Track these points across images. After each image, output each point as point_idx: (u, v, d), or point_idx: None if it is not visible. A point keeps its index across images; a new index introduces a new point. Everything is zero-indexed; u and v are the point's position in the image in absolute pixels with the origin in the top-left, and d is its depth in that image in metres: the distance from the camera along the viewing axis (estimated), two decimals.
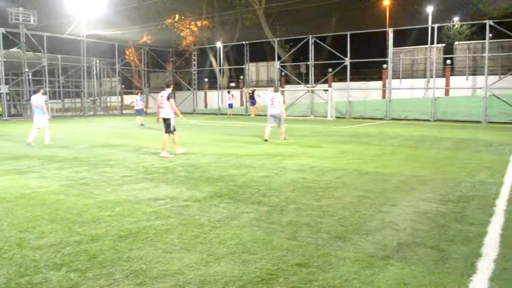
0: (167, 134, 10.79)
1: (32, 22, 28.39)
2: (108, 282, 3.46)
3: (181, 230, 4.72)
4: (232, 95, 33.13)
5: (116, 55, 35.77)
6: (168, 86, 11.07)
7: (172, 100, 10.84)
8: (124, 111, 37.60)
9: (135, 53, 40.91)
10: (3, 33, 27.40)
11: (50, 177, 7.92)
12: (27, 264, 3.83)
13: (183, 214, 5.38)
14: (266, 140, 14.05)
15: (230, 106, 32.17)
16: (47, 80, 30.92)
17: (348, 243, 4.31)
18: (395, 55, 29.89)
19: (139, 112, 21.99)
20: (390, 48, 28.88)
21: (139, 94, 22.99)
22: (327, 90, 30.21)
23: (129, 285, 3.39)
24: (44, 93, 14.54)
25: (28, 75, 30.46)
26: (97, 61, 37.02)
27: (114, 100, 38.10)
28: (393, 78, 29.30)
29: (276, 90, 15.43)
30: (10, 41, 28.40)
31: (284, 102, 16.13)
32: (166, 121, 10.79)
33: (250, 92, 32.27)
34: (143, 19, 35.51)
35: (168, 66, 41.48)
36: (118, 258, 3.93)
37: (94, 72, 36.48)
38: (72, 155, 10.90)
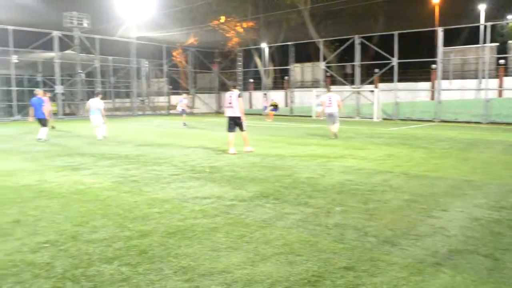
0: (245, 132, 11.59)
1: (85, 25, 29.60)
2: (157, 277, 3.55)
3: (228, 229, 4.78)
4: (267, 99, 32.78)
5: (164, 57, 36.63)
6: (234, 87, 11.71)
7: (240, 99, 11.35)
8: (171, 111, 38.45)
9: (182, 54, 41.73)
10: (59, 36, 28.76)
11: (102, 174, 8.23)
12: (81, 256, 4.00)
13: (229, 213, 5.45)
14: (335, 137, 15.47)
15: (265, 108, 31.57)
16: (99, 81, 32.14)
17: (397, 248, 4.22)
18: (445, 55, 28.89)
19: (183, 112, 22.91)
20: (440, 48, 27.96)
21: (183, 95, 23.94)
22: (373, 91, 29.66)
23: (177, 281, 3.48)
24: (102, 98, 16.21)
25: (82, 76, 31.75)
26: (146, 62, 38.07)
27: (162, 100, 39.03)
28: (442, 79, 28.32)
29: (329, 90, 16.60)
30: (65, 43, 29.74)
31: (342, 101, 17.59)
32: (235, 119, 11.34)
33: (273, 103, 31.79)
34: (190, 21, 36.22)
35: (214, 67, 42.04)
36: (167, 254, 4.03)
37: (143, 73, 37.52)
38: (122, 153, 11.28)
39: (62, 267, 3.77)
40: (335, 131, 15.60)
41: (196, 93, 40.37)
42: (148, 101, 38.66)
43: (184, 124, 21.69)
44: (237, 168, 8.90)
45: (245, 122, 11.52)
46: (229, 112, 11.37)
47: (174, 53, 41.79)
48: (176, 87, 41.55)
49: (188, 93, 25.64)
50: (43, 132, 14.32)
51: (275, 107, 30.34)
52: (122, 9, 30.07)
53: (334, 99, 15.38)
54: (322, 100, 16.83)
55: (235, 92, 11.38)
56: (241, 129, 11.47)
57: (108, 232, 4.70)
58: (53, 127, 19.53)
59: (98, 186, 7.09)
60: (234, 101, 11.23)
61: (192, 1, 33.48)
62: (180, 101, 23.66)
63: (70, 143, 13.99)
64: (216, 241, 4.39)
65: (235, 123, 11.41)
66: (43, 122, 14.40)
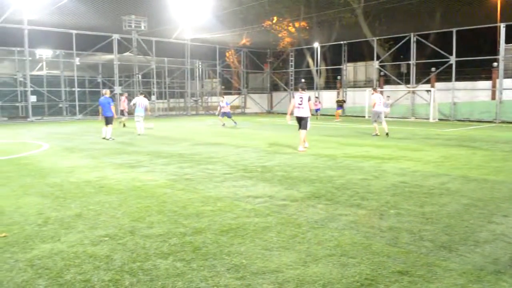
0: (304, 131, 12.07)
1: (142, 28, 30.66)
2: (210, 273, 3.63)
3: (280, 229, 4.80)
4: (319, 102, 31.81)
5: (217, 57, 37.27)
6: (303, 90, 12.18)
7: (311, 102, 12.16)
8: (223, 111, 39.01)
9: (234, 55, 42.24)
10: (118, 39, 29.99)
11: (158, 172, 8.51)
12: (139, 250, 4.16)
13: (281, 213, 5.47)
14: (376, 134, 16.61)
15: (317, 110, 30.32)
16: (154, 82, 33.20)
17: (454, 254, 4.07)
18: (507, 52, 27.37)
19: (227, 115, 22.68)
20: (502, 45, 26.54)
21: (224, 97, 23.49)
22: (430, 90, 28.65)
23: (230, 278, 3.54)
24: (145, 96, 18.68)
25: (138, 77, 32.93)
26: (200, 63, 38.89)
27: (215, 100, 39.72)
28: (504, 78, 26.90)
29: (376, 91, 17.61)
30: (123, 46, 30.96)
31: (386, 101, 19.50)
32: (303, 119, 12.01)
33: (341, 101, 31.17)
34: (242, 22, 36.51)
35: (265, 67, 42.24)
36: (220, 252, 4.11)
37: (197, 74, 38.35)
38: (177, 151, 11.59)
39: (120, 260, 3.94)
40: (385, 129, 16.47)
41: (248, 93, 40.72)
42: (202, 101, 39.46)
43: (223, 125, 21.89)
44: (288, 168, 8.90)
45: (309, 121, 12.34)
46: (299, 112, 12.00)
47: (227, 54, 42.38)
48: (228, 87, 42.14)
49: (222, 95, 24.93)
50: (109, 131, 15.01)
51: (341, 105, 29.86)
52: (177, 12, 30.83)
53: (377, 99, 16.59)
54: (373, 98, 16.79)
55: (305, 94, 11.97)
56: (303, 128, 12.05)
57: (163, 228, 4.86)
58: (124, 125, 21.15)
59: (154, 184, 7.34)
60: (305, 103, 11.88)
61: (244, 2, 33.73)
62: (226, 104, 23.42)
63: (127, 141, 14.54)
64: (268, 240, 4.43)
65: (301, 122, 12.05)
66: (109, 120, 15.00)
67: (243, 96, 40.36)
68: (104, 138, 14.96)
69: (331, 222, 5.07)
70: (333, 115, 29.90)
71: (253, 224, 4.97)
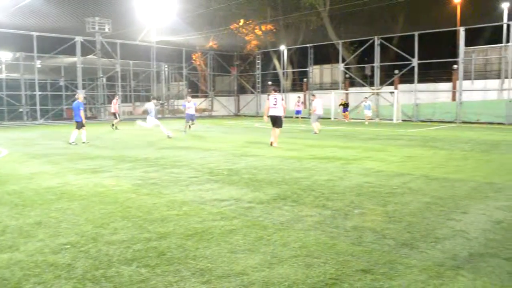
0: (278, 130, 13.27)
1: (106, 30, 30.13)
2: (175, 278, 3.59)
3: (245, 231, 4.80)
4: (302, 103, 31.28)
5: (183, 60, 37.00)
6: (276, 91, 13.72)
7: (283, 102, 13.50)
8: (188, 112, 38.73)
9: (201, 57, 42.06)
10: (81, 41, 29.32)
11: (122, 177, 8.35)
12: (101, 258, 4.07)
13: (247, 215, 5.47)
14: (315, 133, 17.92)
15: (298, 112, 29.58)
16: (119, 85, 32.64)
17: (416, 251, 4.17)
18: (467, 55, 28.43)
19: (192, 118, 20.03)
20: (461, 48, 27.54)
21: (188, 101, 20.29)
22: (393, 92, 29.37)
23: (195, 283, 3.51)
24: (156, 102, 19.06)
25: (103, 80, 32.30)
26: (166, 65, 38.50)
27: (181, 103, 39.44)
28: (464, 79, 27.89)
29: (315, 97, 19.76)
30: (87, 48, 30.31)
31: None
32: (278, 118, 13.18)
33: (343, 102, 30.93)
34: (209, 24, 36.45)
35: (233, 70, 42.25)
36: (185, 256, 4.07)
37: (163, 77, 37.95)
38: (142, 156, 11.42)
39: (82, 268, 3.84)
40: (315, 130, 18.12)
41: (215, 96, 40.62)
42: (168, 104, 39.07)
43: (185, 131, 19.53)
44: (255, 170, 8.92)
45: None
46: (274, 112, 13.20)
47: (194, 56, 42.16)
48: (195, 90, 41.90)
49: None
50: (83, 134, 15.14)
51: (345, 106, 29.97)
52: (143, 14, 30.47)
53: (320, 104, 18.61)
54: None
55: (279, 95, 13.41)
56: (278, 126, 13.22)
57: (127, 233, 4.77)
58: (116, 128, 21.29)
59: (118, 189, 7.20)
60: (279, 103, 13.17)
61: (211, 5, 33.67)
62: (194, 104, 20.36)
63: (91, 146, 14.22)
64: (233, 243, 4.41)
65: (276, 120, 13.20)
66: (79, 125, 14.99)
67: (210, 99, 40.22)
68: (71, 143, 14.62)
69: (296, 223, 5.11)
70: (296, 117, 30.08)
71: (218, 228, 4.94)
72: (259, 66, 39.79)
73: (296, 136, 17.53)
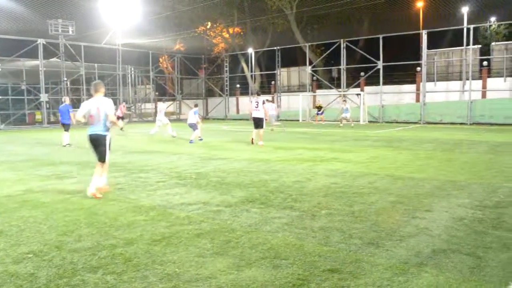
0: (262, 130, 14.55)
1: (70, 32, 29.39)
2: (142, 285, 3.54)
3: (214, 235, 4.77)
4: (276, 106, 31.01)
5: (150, 63, 36.56)
6: (258, 95, 15.12)
7: (265, 105, 14.81)
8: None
9: (168, 60, 41.68)
10: (43, 43, 28.52)
11: (88, 182, 8.14)
12: (66, 266, 3.96)
13: (215, 219, 5.44)
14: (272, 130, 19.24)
15: (276, 118, 29.47)
16: (84, 88, 31.90)
17: (381, 249, 4.26)
18: (429, 58, 29.26)
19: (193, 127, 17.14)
20: (424, 51, 28.34)
21: (195, 107, 17.64)
22: (359, 94, 29.90)
23: None
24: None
25: (67, 84, 31.50)
26: (132, 69, 37.93)
27: (149, 107, 38.91)
28: (427, 81, 28.69)
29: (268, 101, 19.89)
30: (49, 51, 29.50)
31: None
32: (260, 120, 14.43)
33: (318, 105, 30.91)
34: (176, 27, 36.16)
35: (200, 73, 42.06)
36: (152, 262, 4.02)
37: (129, 80, 37.36)
38: (108, 161, 11.17)
39: (46, 277, 3.73)
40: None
41: (183, 99, 40.32)
42: (135, 108, 38.50)
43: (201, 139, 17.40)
44: (223, 173, 8.90)
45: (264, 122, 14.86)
46: (256, 114, 14.46)
47: (160, 59, 41.74)
48: (162, 93, 41.47)
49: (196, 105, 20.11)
50: (66, 137, 15.38)
51: (319, 109, 29.94)
52: (108, 16, 29.92)
53: (272, 106, 19.65)
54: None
55: (260, 98, 14.61)
56: (261, 127, 14.52)
57: (93, 240, 4.67)
58: (121, 129, 21.51)
59: (83, 195, 7.03)
60: (260, 105, 14.42)
61: (177, 7, 33.41)
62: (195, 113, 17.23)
63: (55, 151, 13.85)
64: (201, 247, 4.38)
65: (258, 122, 14.44)
66: (66, 127, 15.42)
67: (177, 102, 39.89)
68: (64, 146, 15.13)
69: (264, 225, 5.12)
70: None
71: (186, 232, 4.90)
72: (227, 69, 39.75)
73: (264, 139, 17.56)
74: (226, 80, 39.79)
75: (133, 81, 38.64)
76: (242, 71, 40.76)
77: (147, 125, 28.56)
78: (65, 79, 30.92)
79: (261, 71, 41.59)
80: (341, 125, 25.33)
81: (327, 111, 31.56)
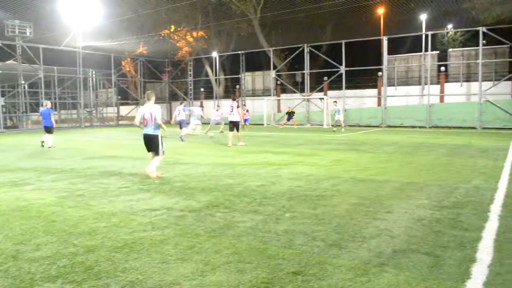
0: (238, 132, 15.59)
1: (28, 34, 28.48)
2: None
3: (177, 241, 4.72)
4: (247, 110, 30.93)
5: (112, 66, 35.88)
6: (234, 100, 15.98)
7: (240, 108, 15.99)
8: (120, 122, 37.58)
9: (131, 63, 41.02)
10: None
11: (46, 189, 7.91)
12: (23, 276, 3.82)
13: (179, 224, 5.38)
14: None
15: (246, 121, 28.97)
16: (43, 92, 30.94)
17: (344, 251, 4.33)
18: (390, 63, 30.08)
19: (181, 124, 19.46)
20: (385, 56, 29.13)
21: (182, 104, 20.63)
22: (323, 98, 30.35)
23: None
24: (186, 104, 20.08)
25: (24, 87, 30.47)
26: (93, 72, 37.09)
27: (111, 111, 38.12)
28: (388, 86, 29.49)
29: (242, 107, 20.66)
30: (6, 53, 28.46)
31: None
32: (235, 123, 15.55)
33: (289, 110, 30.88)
34: (139, 30, 35.65)
35: (164, 77, 41.60)
36: (114, 269, 3.93)
37: (90, 83, 36.50)
38: (68, 166, 10.89)
39: None
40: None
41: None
42: (96, 112, 37.65)
43: (181, 139, 18.72)
44: (187, 178, 8.82)
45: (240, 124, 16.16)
46: (231, 118, 15.51)
47: (123, 63, 41.03)
48: (125, 97, 40.79)
49: (182, 103, 22.07)
50: (50, 139, 15.99)
51: (291, 114, 29.80)
52: (68, 17, 29.15)
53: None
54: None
55: (235, 103, 15.59)
56: (237, 130, 15.62)
57: (51, 249, 4.52)
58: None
59: (41, 202, 6.80)
60: (235, 110, 15.43)
61: (140, 10, 32.95)
62: (183, 110, 20.16)
63: (11, 157, 13.36)
64: (165, 253, 4.33)
65: (234, 125, 15.53)
66: (50, 130, 15.99)
67: (141, 106, 39.27)
68: (50, 147, 15.68)
69: (229, 229, 5.11)
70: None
71: (149, 238, 4.82)
72: (191, 72, 39.51)
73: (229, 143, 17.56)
74: (190, 84, 39.52)
75: (95, 84, 37.80)
76: (207, 75, 40.61)
77: (108, 129, 27.98)
78: (23, 82, 29.90)
79: (225, 75, 41.56)
80: (335, 129, 24.49)
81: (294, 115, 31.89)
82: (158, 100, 41.25)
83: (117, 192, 7.50)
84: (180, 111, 19.82)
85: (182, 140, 18.29)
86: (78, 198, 7.07)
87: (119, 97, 39.32)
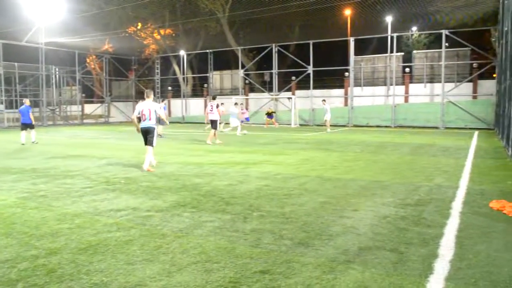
0: (214, 130, 16.12)
1: None
2: None
3: (143, 241, 4.65)
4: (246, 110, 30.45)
5: (76, 63, 34.99)
6: (214, 99, 16.72)
7: (219, 108, 16.92)
8: (85, 121, 36.70)
9: (96, 61, 40.12)
10: None
11: (6, 190, 7.63)
12: None
13: (145, 224, 5.30)
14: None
15: (246, 120, 28.70)
16: (3, 89, 29.83)
17: (310, 249, 4.36)
18: (357, 64, 30.59)
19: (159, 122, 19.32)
20: (352, 57, 29.60)
21: (162, 102, 22.62)
22: (291, 98, 30.56)
23: None
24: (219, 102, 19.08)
25: None
26: (56, 69, 36.04)
27: (75, 109, 37.12)
28: (354, 86, 29.98)
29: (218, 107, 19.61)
30: None
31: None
32: (214, 122, 16.17)
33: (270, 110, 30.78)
34: (104, 26, 34.84)
35: (130, 74, 40.90)
36: (77, 272, 3.83)
37: (53, 81, 35.45)
38: (29, 166, 10.55)
39: None
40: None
41: (112, 101, 39.01)
42: (60, 110, 36.62)
43: (160, 136, 18.71)
44: (154, 178, 8.70)
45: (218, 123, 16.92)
46: (211, 117, 16.22)
47: (88, 60, 40.08)
48: (89, 95, 39.87)
49: (163, 101, 23.54)
50: (33, 135, 16.88)
51: (270, 114, 29.52)
52: (30, 12, 28.21)
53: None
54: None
55: (215, 102, 16.39)
56: (215, 128, 16.22)
57: (12, 252, 4.36)
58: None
59: (0, 203, 6.56)
60: (215, 109, 16.19)
61: (106, 6, 32.22)
62: (164, 108, 21.11)
63: None
64: (130, 254, 4.25)
65: (212, 123, 16.16)
66: (31, 126, 16.84)
67: (106, 104, 38.51)
68: (33, 142, 16.50)
69: (196, 229, 5.07)
70: (200, 122, 29.89)
71: (114, 239, 4.73)
72: (158, 71, 39.01)
73: (198, 142, 17.46)
74: (158, 82, 39.02)
75: (58, 82, 36.74)
76: (174, 73, 40.19)
77: (72, 128, 27.29)
78: None
79: (193, 73, 41.24)
80: (329, 130, 24.15)
81: (258, 114, 31.97)
82: (124, 99, 40.62)
83: (81, 192, 7.32)
84: (160, 109, 20.14)
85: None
86: (40, 199, 6.85)
87: (84, 95, 38.39)
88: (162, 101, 22.52)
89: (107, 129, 21.69)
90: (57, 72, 36.12)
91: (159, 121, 19.24)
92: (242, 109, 28.40)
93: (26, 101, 17.61)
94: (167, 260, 4.07)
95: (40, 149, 14.95)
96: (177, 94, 38.91)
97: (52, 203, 6.52)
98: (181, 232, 4.98)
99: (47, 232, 5.02)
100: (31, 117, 16.88)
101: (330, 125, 24.84)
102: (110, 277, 3.70)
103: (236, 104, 23.04)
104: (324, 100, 25.97)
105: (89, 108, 38.78)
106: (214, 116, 16.26)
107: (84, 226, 5.26)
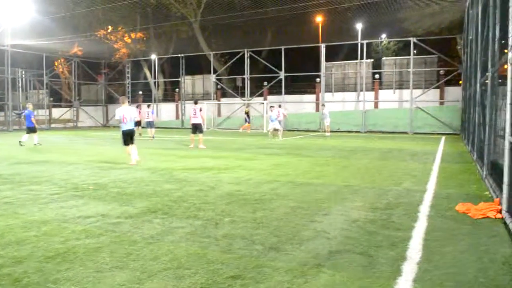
0: (201, 134, 16.48)
1: None
2: None
3: (113, 248, 4.57)
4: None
5: (44, 66, 34.18)
6: (196, 103, 17.18)
7: (202, 111, 17.22)
8: (52, 125, 35.85)
9: (64, 64, 39.28)
10: None
11: None
12: None
13: (115, 231, 5.21)
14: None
15: (247, 121, 29.37)
16: None
17: (282, 253, 4.39)
18: (328, 70, 31.02)
19: (150, 125, 22.38)
20: (323, 63, 30.00)
21: (150, 107, 23.47)
22: (263, 103, 30.69)
23: None
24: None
25: None
26: (23, 72, 35.09)
27: (42, 113, 36.18)
28: (325, 92, 30.38)
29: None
30: None
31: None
32: (198, 125, 16.49)
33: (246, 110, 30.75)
34: (74, 29, 34.15)
35: (100, 78, 40.23)
36: (44, 280, 3.73)
37: (20, 84, 34.49)
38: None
39: None
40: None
41: (81, 105, 38.26)
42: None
43: (153, 137, 21.74)
44: (124, 184, 8.57)
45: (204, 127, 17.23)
46: (194, 120, 16.55)
47: (56, 63, 39.21)
48: (58, 99, 39.02)
49: (149, 105, 24.52)
50: (35, 138, 17.62)
51: (248, 115, 29.17)
52: None
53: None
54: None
55: (198, 106, 16.71)
56: (200, 132, 16.46)
57: None
58: (140, 134, 21.62)
59: None
60: (198, 113, 16.45)
61: (75, 8, 31.63)
62: (151, 112, 23.35)
63: None
64: (100, 262, 4.17)
65: (196, 127, 16.48)
66: (33, 130, 17.77)
67: (75, 108, 37.73)
68: (35, 144, 17.19)
69: (167, 235, 5.02)
70: (172, 128, 29.71)
71: (83, 246, 4.63)
72: (129, 75, 38.51)
73: (169, 147, 17.32)
74: (128, 86, 38.51)
75: (24, 85, 35.76)
76: (145, 78, 39.76)
77: (39, 133, 26.52)
78: None
79: (165, 78, 40.90)
80: (328, 135, 24.43)
81: (230, 119, 31.97)
82: (93, 103, 39.91)
83: (48, 199, 7.14)
84: (148, 113, 22.61)
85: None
86: (4, 206, 6.65)
87: (51, 99, 37.51)
88: (148, 106, 23.54)
89: (75, 134, 21.24)
90: (23, 75, 35.17)
91: (151, 124, 22.15)
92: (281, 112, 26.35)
93: (29, 106, 18.76)
94: (138, 267, 4.02)
95: (4, 154, 14.51)
96: (148, 98, 38.49)
97: (17, 210, 6.33)
98: (152, 238, 4.92)
99: (12, 240, 4.87)
100: (33, 121, 17.84)
101: (329, 131, 25.29)
102: (79, 286, 3.62)
103: (272, 107, 23.46)
104: (323, 105, 26.26)
105: (57, 113, 37.91)
106: (197, 120, 16.53)
107: (52, 233, 5.13)
